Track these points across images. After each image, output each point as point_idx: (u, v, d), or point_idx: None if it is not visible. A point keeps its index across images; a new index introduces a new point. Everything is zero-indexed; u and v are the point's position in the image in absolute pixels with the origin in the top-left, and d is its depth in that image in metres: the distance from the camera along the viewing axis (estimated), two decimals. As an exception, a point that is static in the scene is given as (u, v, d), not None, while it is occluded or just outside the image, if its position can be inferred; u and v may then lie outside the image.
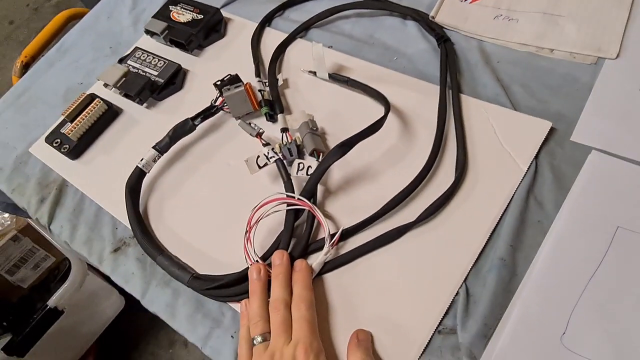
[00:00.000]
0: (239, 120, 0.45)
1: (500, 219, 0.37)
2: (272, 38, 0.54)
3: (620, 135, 0.39)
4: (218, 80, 0.49)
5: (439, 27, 0.49)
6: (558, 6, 0.47)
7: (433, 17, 0.49)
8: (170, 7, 0.57)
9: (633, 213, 0.36)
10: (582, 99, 0.41)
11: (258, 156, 0.42)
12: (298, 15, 0.56)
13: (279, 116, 0.47)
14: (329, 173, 0.43)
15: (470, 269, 0.36)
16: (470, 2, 0.49)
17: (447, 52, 0.46)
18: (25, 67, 0.76)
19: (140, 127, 0.52)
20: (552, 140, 0.40)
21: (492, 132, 0.41)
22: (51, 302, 0.90)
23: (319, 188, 0.42)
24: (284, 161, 0.43)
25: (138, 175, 0.46)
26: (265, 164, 0.42)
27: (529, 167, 0.39)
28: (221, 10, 0.58)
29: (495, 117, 0.42)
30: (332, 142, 0.45)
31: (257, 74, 0.51)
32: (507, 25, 0.47)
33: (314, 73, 0.49)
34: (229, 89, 0.47)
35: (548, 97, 0.42)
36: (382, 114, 0.42)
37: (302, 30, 0.54)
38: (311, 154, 0.43)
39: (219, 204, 0.45)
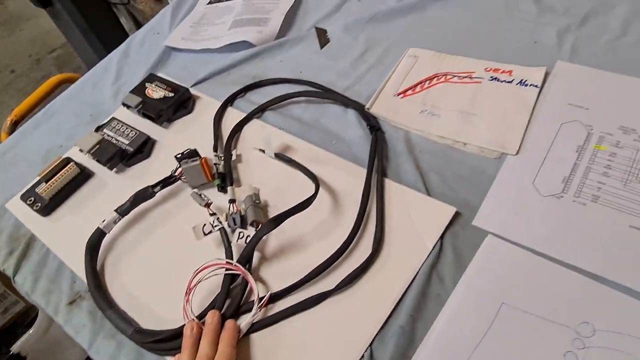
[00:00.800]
0: (192, 192, 0.51)
1: (405, 290, 0.43)
2: (232, 117, 0.62)
3: (514, 223, 0.45)
4: (179, 153, 0.55)
5: (373, 118, 0.56)
6: (474, 106, 0.55)
7: (368, 109, 0.57)
8: (146, 84, 0.65)
9: (516, 292, 0.41)
10: (486, 189, 0.48)
11: (204, 224, 0.48)
12: (257, 97, 0.63)
13: (229, 188, 0.53)
14: (267, 241, 0.49)
15: (376, 335, 0.41)
16: (402, 97, 0.57)
17: (377, 140, 0.53)
18: (14, 124, 0.83)
19: (109, 190, 0.58)
20: (456, 224, 0.46)
21: (407, 213, 0.48)
22: (15, 347, 0.92)
23: (256, 254, 0.48)
24: (227, 230, 0.49)
25: (99, 235, 0.51)
26: (210, 232, 0.48)
27: (434, 246, 0.45)
28: (191, 89, 0.66)
29: (411, 201, 0.48)
30: (273, 213, 0.51)
31: (215, 149, 0.58)
32: (430, 119, 0.55)
33: (264, 151, 0.56)
34: (186, 162, 0.54)
35: (458, 185, 0.49)
36: (314, 192, 0.48)
37: (258, 112, 0.61)
38: (251, 224, 0.49)
39: (169, 264, 0.50)
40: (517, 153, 0.50)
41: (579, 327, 0.39)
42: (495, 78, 0.56)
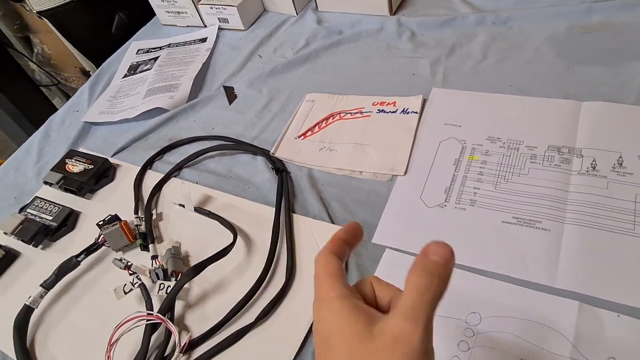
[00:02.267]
0: (113, 259, 0.54)
1: (318, 313, 0.47)
2: (152, 178, 0.65)
3: (407, 235, 0.51)
4: (100, 220, 0.58)
5: (279, 161, 0.62)
6: (365, 137, 0.61)
7: (273, 153, 0.62)
8: (66, 160, 0.68)
9: (413, 296, 0.46)
10: (382, 209, 0.54)
11: (125, 284, 0.51)
12: (175, 157, 0.68)
13: (150, 246, 0.56)
14: (191, 289, 0.52)
15: (294, 359, 0.44)
16: (302, 139, 0.63)
17: (283, 180, 0.58)
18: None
19: (36, 267, 0.60)
20: (359, 243, 0.51)
21: (314, 242, 0.52)
22: None
23: (180, 303, 0.51)
24: (149, 285, 0.51)
25: (25, 312, 0.53)
26: (131, 290, 0.51)
27: (340, 267, 0.49)
28: (112, 158, 0.70)
29: (317, 230, 0.53)
30: (195, 262, 0.54)
31: (136, 211, 0.61)
32: (328, 155, 0.60)
33: (184, 206, 0.60)
34: (107, 228, 0.56)
35: (357, 209, 0.54)
36: (232, 241, 0.52)
37: (176, 170, 0.65)
38: (171, 275, 0.52)
39: (96, 329, 0.52)
40: (405, 173, 0.56)
41: (468, 318, 0.44)
42: (382, 110, 0.63)
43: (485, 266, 0.46)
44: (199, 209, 0.59)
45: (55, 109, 1.62)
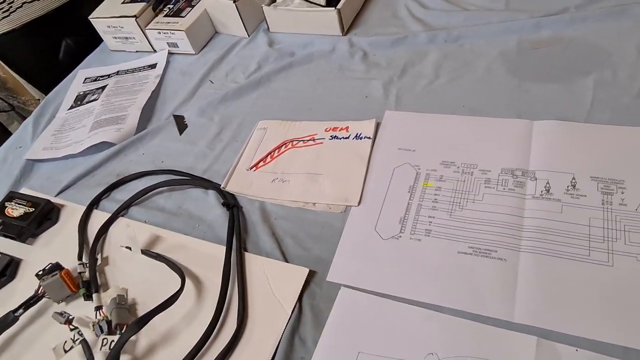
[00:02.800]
0: (53, 313, 0.50)
1: (272, 359, 0.44)
2: (98, 219, 0.62)
3: (362, 271, 0.49)
4: (40, 270, 0.54)
5: (230, 195, 0.59)
6: (318, 166, 0.59)
7: (224, 187, 0.60)
8: (5, 203, 0.64)
9: (370, 338, 0.44)
10: (336, 243, 0.51)
11: (65, 341, 0.47)
12: (122, 194, 0.64)
13: (94, 295, 0.53)
14: (137, 341, 0.49)
15: (246, 414, 0.42)
16: (254, 170, 0.61)
17: (234, 216, 0.56)
18: None
19: (-28, 323, 0.56)
20: (312, 283, 0.49)
21: (266, 283, 0.50)
22: None
23: (126, 357, 0.47)
24: (89, 341, 0.48)
25: (-43, 378, 0.49)
26: (72, 347, 0.47)
27: (293, 310, 0.47)
28: (56, 198, 0.66)
29: (269, 269, 0.51)
30: (143, 311, 0.51)
31: (80, 257, 0.57)
32: (281, 186, 0.58)
33: (130, 248, 0.57)
34: (46, 278, 0.53)
35: (311, 244, 0.52)
36: (179, 287, 0.49)
37: (123, 209, 0.62)
38: (115, 328, 0.49)
39: (37, 391, 0.48)
40: (359, 204, 0.54)
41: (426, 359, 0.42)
42: (335, 136, 0.62)
43: (442, 302, 0.44)
44: (146, 252, 0.56)
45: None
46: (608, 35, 0.61)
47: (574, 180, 0.49)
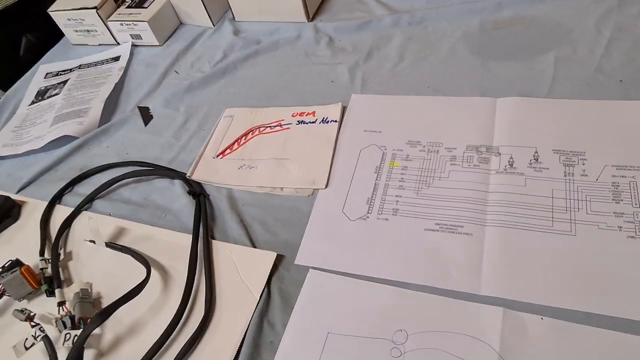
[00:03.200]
0: (13, 310, 0.49)
1: (240, 344, 0.44)
2: (61, 214, 0.60)
3: (331, 253, 0.48)
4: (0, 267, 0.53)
5: (196, 184, 0.58)
6: (285, 151, 0.58)
7: (189, 176, 0.58)
8: (-37, 202, 0.62)
9: (339, 319, 0.44)
10: (304, 227, 0.51)
11: (26, 338, 0.46)
12: (85, 188, 0.62)
13: (57, 291, 0.51)
14: (102, 335, 0.47)
15: (215, 400, 0.41)
16: (221, 158, 0.60)
17: (200, 205, 0.55)
18: None
19: None
20: (281, 267, 0.48)
21: (234, 269, 0.49)
22: None
23: (91, 352, 0.46)
24: (51, 337, 0.46)
25: None
26: (33, 344, 0.46)
27: (262, 294, 0.46)
28: (17, 195, 0.64)
29: (237, 256, 0.50)
30: (107, 304, 0.50)
31: (42, 253, 0.56)
32: (248, 173, 0.57)
33: (94, 242, 0.55)
34: (5, 276, 0.51)
35: (279, 229, 0.51)
36: (145, 277, 0.48)
37: (87, 203, 0.60)
38: (79, 322, 0.47)
39: (-2, 391, 0.46)
40: (326, 186, 0.54)
41: (395, 336, 0.41)
42: (302, 121, 0.61)
43: (410, 279, 0.44)
44: (110, 244, 0.54)
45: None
46: (567, 13, 0.62)
47: (536, 154, 0.50)
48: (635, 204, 0.44)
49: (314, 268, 0.47)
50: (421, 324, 0.42)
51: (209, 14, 0.80)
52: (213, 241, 0.52)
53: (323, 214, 0.52)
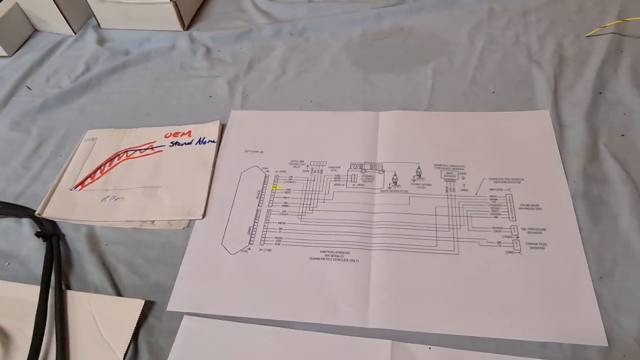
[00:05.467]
0: None
1: (101, 420, 0.37)
2: None
3: (209, 294, 0.43)
4: None
5: (48, 222, 0.49)
6: (157, 178, 0.52)
7: (39, 214, 0.50)
8: None
9: (219, 369, 0.39)
10: (178, 265, 0.45)
11: None
12: None
13: None
14: None
15: None
16: (80, 190, 0.52)
17: (52, 248, 0.46)
18: None
19: None
20: (151, 316, 0.42)
21: (94, 324, 0.42)
22: None
23: None
24: None
25: None
26: None
27: (126, 352, 0.40)
28: None
29: (97, 308, 0.43)
30: None
31: None
32: (114, 205, 0.50)
33: None
34: None
35: (149, 270, 0.45)
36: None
37: None
38: None
39: None
40: (203, 216, 0.48)
41: (280, 384, 0.37)
42: (176, 142, 0.55)
43: (294, 317, 0.41)
44: None
45: None
46: (443, 24, 0.63)
47: (419, 170, 0.49)
48: (512, 218, 0.44)
49: (189, 314, 0.42)
50: (307, 368, 0.38)
51: (67, 21, 0.70)
52: (68, 292, 0.44)
53: (200, 248, 0.46)
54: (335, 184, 0.49)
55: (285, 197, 0.49)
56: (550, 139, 0.49)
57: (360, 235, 0.45)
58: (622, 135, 0.48)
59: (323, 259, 0.44)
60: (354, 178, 0.49)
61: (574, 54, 0.57)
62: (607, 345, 0.36)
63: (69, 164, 0.55)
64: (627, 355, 0.35)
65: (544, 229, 0.43)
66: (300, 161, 0.51)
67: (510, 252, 0.42)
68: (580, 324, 0.37)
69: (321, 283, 0.42)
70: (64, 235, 0.49)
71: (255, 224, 0.47)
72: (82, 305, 0.43)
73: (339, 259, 0.43)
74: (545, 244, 0.42)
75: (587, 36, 0.59)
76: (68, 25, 0.71)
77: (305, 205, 0.48)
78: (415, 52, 0.60)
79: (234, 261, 0.45)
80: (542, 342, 0.37)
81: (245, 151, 0.53)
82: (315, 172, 0.50)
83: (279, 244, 0.45)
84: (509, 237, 0.43)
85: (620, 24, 0.58)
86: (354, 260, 0.43)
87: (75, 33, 0.72)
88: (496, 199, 0.45)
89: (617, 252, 0.41)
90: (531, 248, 0.42)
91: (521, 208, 0.45)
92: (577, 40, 0.58)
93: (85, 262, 0.46)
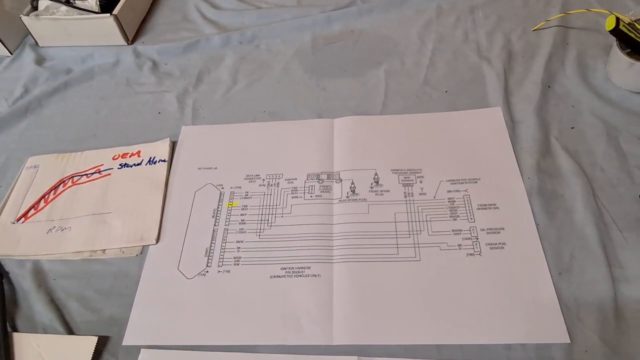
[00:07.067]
0: None
1: None
2: None
3: (167, 324, 0.41)
4: None
5: (-11, 261, 0.46)
6: (105, 205, 0.49)
7: (-22, 253, 0.47)
8: None
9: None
10: (133, 295, 0.43)
11: None
12: None
13: None
14: None
15: None
16: (23, 222, 0.49)
17: (-5, 288, 0.43)
18: None
19: None
20: (106, 352, 0.40)
21: (44, 367, 0.39)
22: None
23: None
24: None
25: None
26: None
27: (81, 395, 0.38)
28: None
29: (46, 349, 0.40)
30: None
31: None
32: (60, 236, 0.47)
33: None
34: None
35: (102, 303, 0.43)
36: None
37: None
38: None
39: None
40: (157, 241, 0.46)
41: (245, 413, 0.36)
42: (125, 164, 0.52)
43: (257, 340, 0.39)
44: None
45: None
46: (392, 25, 0.63)
47: (376, 176, 0.48)
48: (471, 219, 0.44)
49: (146, 347, 0.40)
50: (273, 392, 0.37)
51: (1, 40, 0.66)
52: (14, 334, 0.41)
53: (155, 275, 0.44)
54: (292, 197, 0.47)
55: (242, 215, 0.47)
56: (504, 136, 0.49)
57: (320, 248, 0.44)
58: (572, 128, 0.49)
59: (284, 276, 0.42)
60: (312, 189, 0.48)
61: (522, 49, 0.57)
62: (569, 341, 0.36)
63: (9, 195, 0.51)
64: (589, 351, 0.36)
65: (502, 228, 0.43)
66: (256, 175, 0.50)
67: (471, 255, 0.42)
68: (542, 322, 0.37)
69: (283, 302, 0.41)
70: (7, 273, 0.46)
71: (212, 244, 0.45)
72: (30, 348, 0.40)
73: (300, 275, 0.42)
74: (504, 244, 0.42)
75: (534, 30, 0.59)
76: (2, 45, 0.67)
77: (263, 222, 0.46)
78: (367, 54, 0.60)
79: (191, 286, 0.43)
80: (507, 344, 0.37)
81: (199, 168, 0.51)
82: (271, 185, 0.49)
83: (238, 264, 0.44)
84: (469, 239, 0.43)
85: (564, 16, 0.59)
86: (315, 275, 0.42)
87: (11, 53, 0.68)
88: (454, 201, 0.45)
89: (573, 246, 0.41)
90: (491, 249, 0.42)
91: (479, 208, 0.44)
92: (524, 34, 0.59)
93: (32, 301, 0.43)
